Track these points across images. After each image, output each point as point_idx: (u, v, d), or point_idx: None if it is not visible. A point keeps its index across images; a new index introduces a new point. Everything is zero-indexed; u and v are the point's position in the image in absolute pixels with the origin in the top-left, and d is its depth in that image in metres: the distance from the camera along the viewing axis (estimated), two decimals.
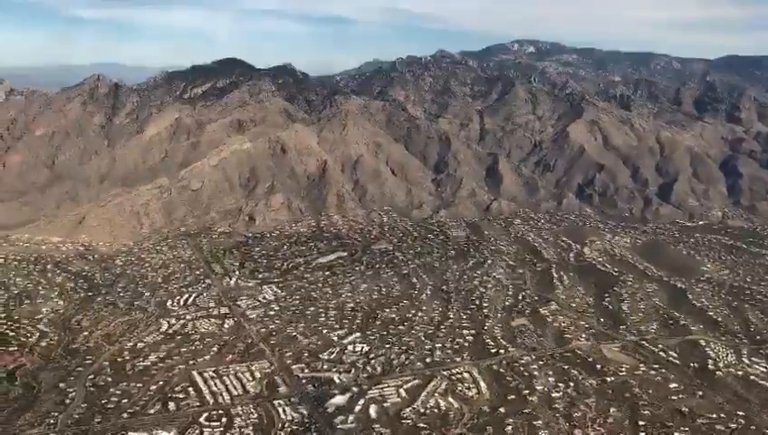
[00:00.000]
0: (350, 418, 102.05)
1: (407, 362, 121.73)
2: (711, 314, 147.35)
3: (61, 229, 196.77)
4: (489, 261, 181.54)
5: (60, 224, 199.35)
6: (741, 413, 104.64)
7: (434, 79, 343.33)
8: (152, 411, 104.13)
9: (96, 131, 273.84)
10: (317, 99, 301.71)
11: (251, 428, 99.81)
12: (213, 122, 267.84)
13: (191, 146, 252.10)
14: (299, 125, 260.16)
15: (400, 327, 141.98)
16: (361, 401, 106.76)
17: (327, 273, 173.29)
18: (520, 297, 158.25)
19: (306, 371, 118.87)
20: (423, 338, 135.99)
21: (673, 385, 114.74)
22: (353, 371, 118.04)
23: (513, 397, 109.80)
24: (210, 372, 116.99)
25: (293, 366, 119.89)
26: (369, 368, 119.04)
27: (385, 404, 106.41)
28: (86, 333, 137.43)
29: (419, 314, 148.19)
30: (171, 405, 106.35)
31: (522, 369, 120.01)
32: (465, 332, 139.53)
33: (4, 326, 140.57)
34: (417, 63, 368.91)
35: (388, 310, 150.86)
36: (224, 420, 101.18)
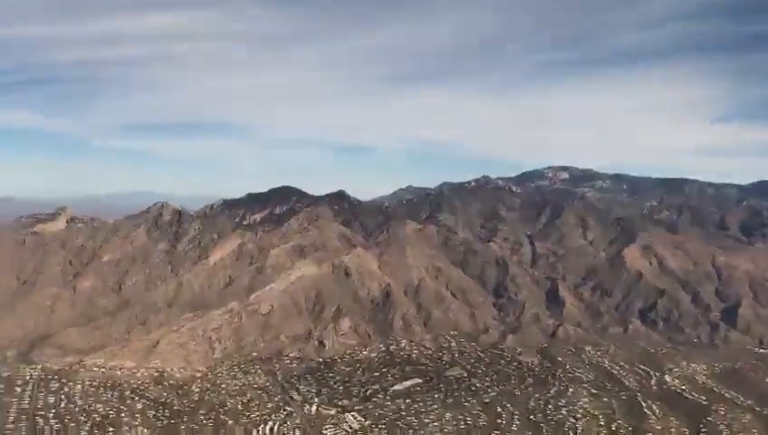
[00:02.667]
0: None
1: None
2: None
3: (134, 354, 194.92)
4: (570, 389, 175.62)
5: (132, 349, 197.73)
6: None
7: (481, 204, 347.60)
8: None
9: (161, 257, 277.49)
10: (372, 224, 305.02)
11: None
12: (275, 247, 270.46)
13: (256, 271, 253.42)
14: (359, 250, 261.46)
15: None
16: None
17: (407, 401, 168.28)
18: (613, 428, 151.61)
19: None
20: None
21: None
22: None
23: None
24: None
25: None
26: None
27: None
28: None
29: None
30: None
31: None
32: None
33: None
34: (463, 189, 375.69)
35: None
36: None
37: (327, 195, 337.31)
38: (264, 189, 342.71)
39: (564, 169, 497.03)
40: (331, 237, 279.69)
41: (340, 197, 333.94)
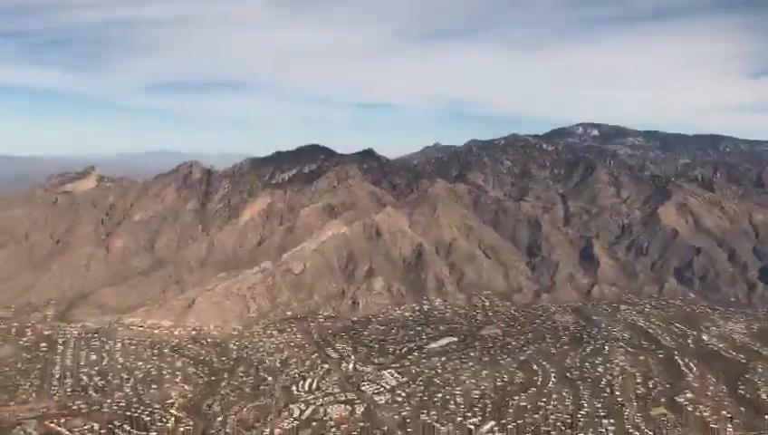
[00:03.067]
0: None
1: None
2: None
3: (170, 313, 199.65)
4: (606, 348, 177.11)
5: (169, 308, 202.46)
6: None
7: (512, 162, 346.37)
8: None
9: (191, 216, 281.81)
10: (401, 182, 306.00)
11: None
12: (305, 207, 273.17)
13: (286, 230, 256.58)
14: (390, 209, 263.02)
15: (535, 416, 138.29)
16: None
17: (443, 359, 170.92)
18: (650, 385, 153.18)
19: None
20: (563, 428, 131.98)
21: None
22: None
23: None
24: None
25: None
26: None
27: None
28: (220, 419, 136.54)
29: (552, 402, 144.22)
30: None
31: None
32: (604, 421, 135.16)
33: (139, 411, 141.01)
34: (492, 147, 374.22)
35: (517, 398, 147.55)
36: None
37: (356, 153, 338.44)
38: (292, 148, 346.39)
39: (594, 125, 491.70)
40: (361, 196, 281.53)
41: (368, 155, 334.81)
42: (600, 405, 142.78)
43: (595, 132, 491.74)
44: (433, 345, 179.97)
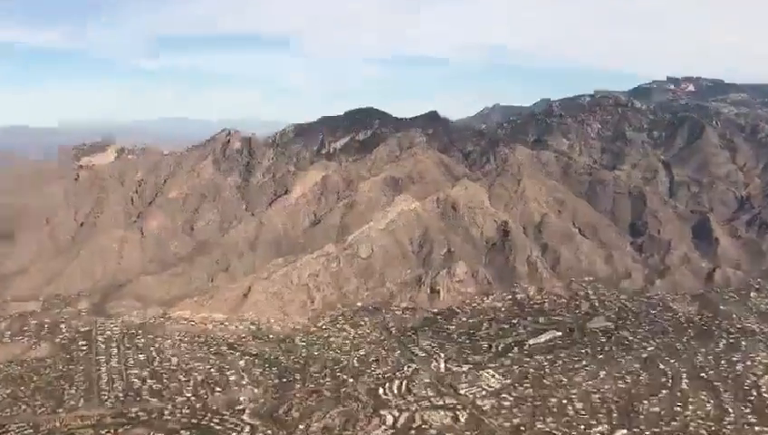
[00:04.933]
0: None
1: None
2: None
3: (223, 305, 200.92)
4: (743, 342, 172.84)
5: (220, 299, 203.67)
6: None
7: (601, 124, 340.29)
8: None
9: (233, 193, 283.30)
10: (475, 150, 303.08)
11: None
12: (365, 180, 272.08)
13: (346, 207, 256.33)
14: (466, 181, 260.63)
15: (673, 423, 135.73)
16: None
17: (548, 356, 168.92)
18: None
19: None
20: None
21: None
22: None
23: None
24: None
25: None
26: None
27: None
28: (302, 427, 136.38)
29: (690, 407, 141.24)
30: None
31: None
32: (756, 428, 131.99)
33: (207, 418, 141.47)
34: (574, 106, 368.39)
35: (646, 402, 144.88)
36: None
37: (416, 117, 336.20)
38: (339, 112, 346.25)
39: (689, 79, 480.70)
40: (429, 167, 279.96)
41: (432, 119, 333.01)
42: (747, 410, 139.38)
43: (690, 88, 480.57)
44: (534, 341, 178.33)
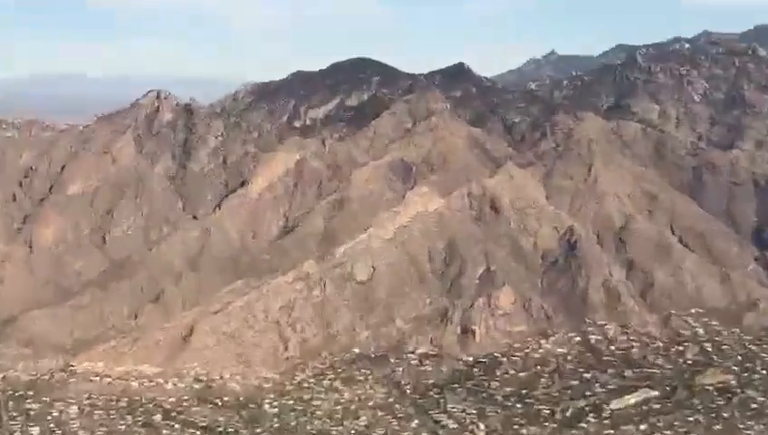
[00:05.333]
0: None
1: None
2: None
3: (155, 353, 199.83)
4: None
5: (151, 344, 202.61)
6: None
7: (709, 82, 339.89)
8: None
9: (164, 186, 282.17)
10: (523, 121, 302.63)
11: None
12: (360, 167, 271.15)
13: (333, 206, 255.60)
14: (511, 167, 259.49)
15: None
16: None
17: (642, 426, 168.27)
18: None
19: None
20: None
21: None
22: None
23: None
24: None
25: None
26: None
27: None
28: None
29: None
30: None
31: None
32: None
33: None
34: (671, 56, 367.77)
35: None
36: None
37: (435, 73, 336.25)
38: (320, 65, 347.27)
39: None
40: (457, 147, 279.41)
41: (458, 75, 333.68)
42: None
43: None
44: (619, 404, 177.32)
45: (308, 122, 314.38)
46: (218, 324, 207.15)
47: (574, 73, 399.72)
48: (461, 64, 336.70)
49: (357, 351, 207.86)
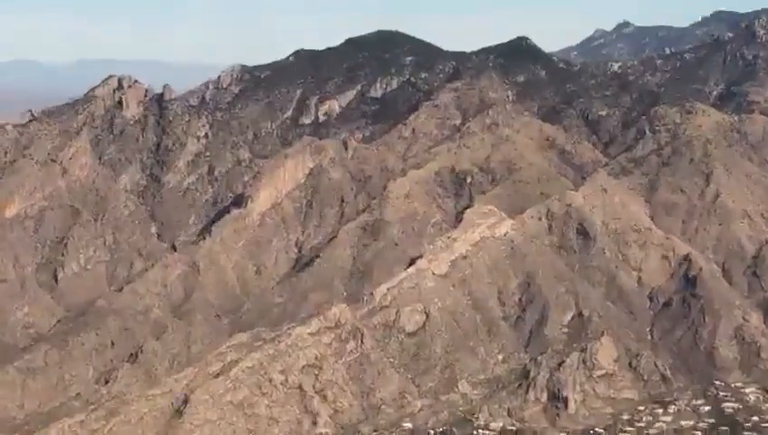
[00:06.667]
0: None
1: None
2: None
3: (138, 431, 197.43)
4: None
5: (131, 419, 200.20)
6: None
7: None
8: None
9: (132, 206, 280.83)
10: (612, 114, 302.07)
11: None
12: (396, 177, 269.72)
13: (365, 231, 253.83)
14: (603, 176, 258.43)
15: None
16: None
17: None
18: None
19: None
20: None
21: None
22: None
23: None
24: None
25: None
26: None
27: None
28: None
29: None
30: None
31: None
32: None
33: None
34: None
35: None
36: None
37: (487, 50, 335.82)
38: (332, 42, 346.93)
39: None
40: (527, 149, 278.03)
41: (520, 53, 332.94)
42: None
43: None
44: None
45: (321, 119, 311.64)
46: (221, 392, 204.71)
47: (668, 51, 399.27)
48: (523, 39, 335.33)
49: (410, 426, 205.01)
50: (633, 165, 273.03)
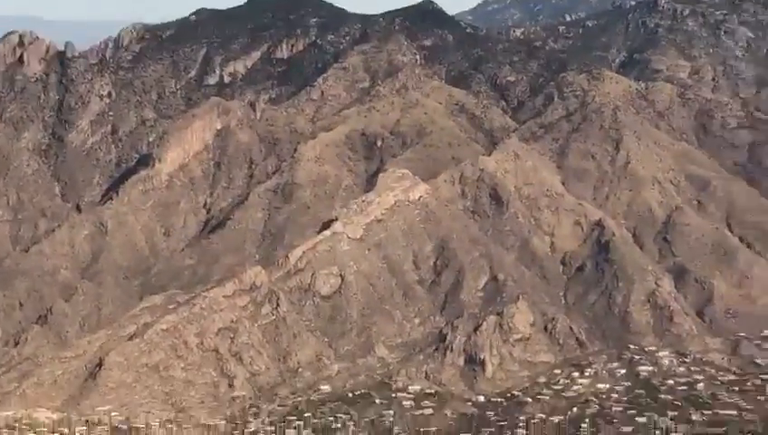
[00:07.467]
0: None
1: None
2: None
3: (51, 394, 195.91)
4: None
5: (44, 382, 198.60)
6: None
7: (754, 31, 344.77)
8: None
9: (35, 163, 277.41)
10: (520, 79, 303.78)
11: None
12: (307, 139, 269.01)
13: (276, 194, 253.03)
14: (515, 142, 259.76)
15: None
16: None
17: None
18: None
19: None
20: None
21: None
22: None
23: None
24: None
25: None
26: None
27: None
28: None
29: None
30: None
31: None
32: None
33: None
34: None
35: None
36: None
37: (394, 12, 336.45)
38: (232, 3, 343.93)
39: None
40: (437, 113, 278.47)
41: (426, 17, 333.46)
42: None
43: None
44: None
45: (226, 79, 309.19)
46: (136, 354, 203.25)
47: (569, 18, 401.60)
48: (429, 2, 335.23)
49: (327, 389, 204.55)
50: (543, 131, 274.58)
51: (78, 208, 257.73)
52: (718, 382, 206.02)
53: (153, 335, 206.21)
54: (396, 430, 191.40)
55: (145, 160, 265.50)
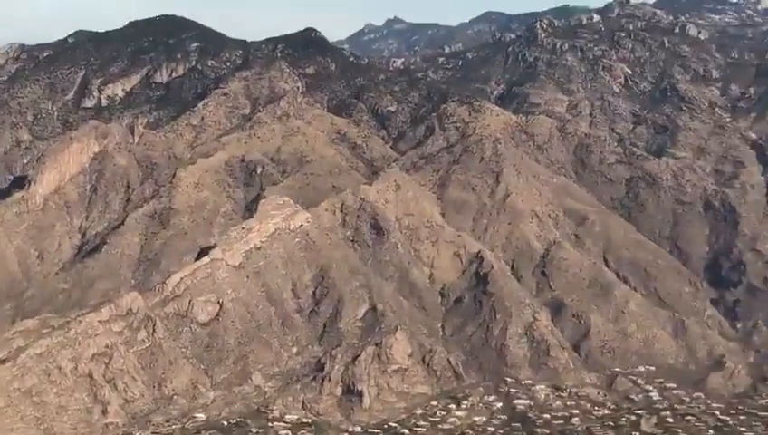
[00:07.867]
0: None
1: None
2: None
3: None
4: None
5: None
6: None
7: (631, 66, 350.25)
8: None
9: None
10: (402, 110, 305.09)
11: None
12: (186, 165, 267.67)
13: (153, 219, 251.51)
14: (396, 172, 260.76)
15: None
16: None
17: None
18: None
19: None
20: None
21: None
22: None
23: None
24: None
25: None
26: None
27: None
28: None
29: None
30: None
31: None
32: None
33: None
34: (579, 30, 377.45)
35: None
36: None
37: (275, 40, 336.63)
38: (115, 24, 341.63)
39: None
40: (319, 143, 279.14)
41: (308, 45, 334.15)
42: None
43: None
44: None
45: (104, 102, 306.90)
46: (8, 379, 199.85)
47: (447, 49, 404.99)
48: (311, 30, 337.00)
49: (203, 417, 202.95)
50: (424, 161, 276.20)
51: None
52: (593, 417, 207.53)
53: (26, 359, 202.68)
54: None
55: (19, 182, 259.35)
